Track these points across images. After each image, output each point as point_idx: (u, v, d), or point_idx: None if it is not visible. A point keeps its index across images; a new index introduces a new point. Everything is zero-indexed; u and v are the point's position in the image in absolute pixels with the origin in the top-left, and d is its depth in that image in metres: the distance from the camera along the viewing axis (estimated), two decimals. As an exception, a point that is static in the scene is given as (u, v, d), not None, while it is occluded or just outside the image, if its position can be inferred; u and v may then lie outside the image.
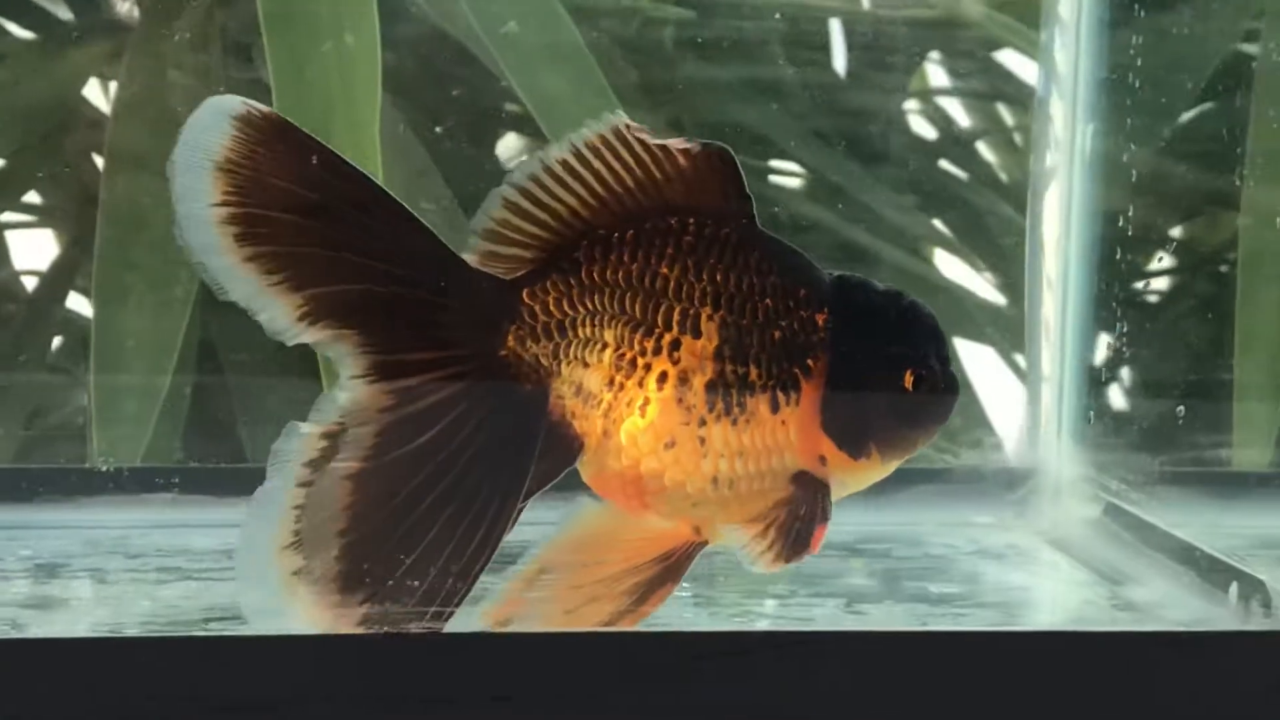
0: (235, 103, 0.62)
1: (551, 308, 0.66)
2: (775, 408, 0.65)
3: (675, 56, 1.11)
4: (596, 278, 0.65)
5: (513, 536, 0.66)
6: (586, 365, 0.65)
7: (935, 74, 1.18)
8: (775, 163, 1.12)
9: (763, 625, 0.79)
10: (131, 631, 0.72)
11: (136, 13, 1.05)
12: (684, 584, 0.68)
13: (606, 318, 0.65)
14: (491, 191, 0.65)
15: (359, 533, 0.63)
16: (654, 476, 0.66)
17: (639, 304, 0.65)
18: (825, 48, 1.11)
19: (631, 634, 0.66)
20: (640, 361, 0.65)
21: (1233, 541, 0.82)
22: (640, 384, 0.65)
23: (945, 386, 0.67)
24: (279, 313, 0.63)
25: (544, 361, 0.66)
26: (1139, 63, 0.91)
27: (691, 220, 0.65)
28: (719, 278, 0.65)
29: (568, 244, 0.66)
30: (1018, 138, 1.16)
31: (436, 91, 1.14)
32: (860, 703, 0.67)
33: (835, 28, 1.11)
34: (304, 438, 0.63)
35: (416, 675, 0.62)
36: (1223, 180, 0.96)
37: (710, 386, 0.65)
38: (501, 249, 0.66)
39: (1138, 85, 0.93)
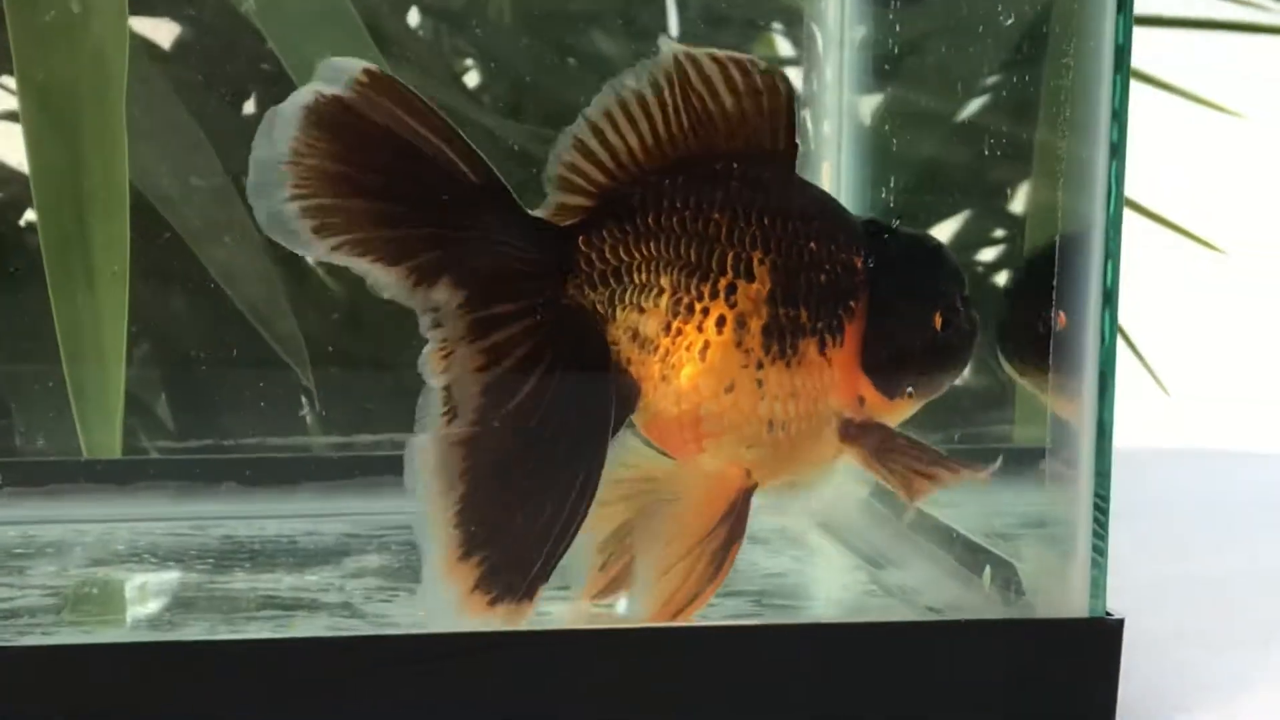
0: (307, 96, 0.62)
1: (607, 254, 0.66)
2: (823, 349, 0.66)
3: (510, 30, 1.10)
4: (651, 224, 0.66)
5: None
6: (642, 310, 0.66)
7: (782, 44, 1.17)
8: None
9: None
10: None
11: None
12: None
13: (662, 263, 0.66)
14: (563, 130, 0.66)
15: (473, 495, 0.63)
16: (714, 420, 0.66)
17: (694, 249, 0.66)
18: (661, 16, 1.09)
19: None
20: (697, 306, 0.65)
21: (1001, 520, 0.80)
22: (699, 328, 0.65)
23: (970, 326, 0.69)
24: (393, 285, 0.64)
25: (600, 309, 0.66)
26: (899, 29, 0.89)
27: (735, 164, 0.66)
28: (766, 221, 0.66)
29: (620, 190, 0.66)
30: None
31: (238, 65, 1.11)
32: (594, 700, 0.64)
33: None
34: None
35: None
36: (1009, 150, 0.93)
37: (765, 330, 0.66)
38: (569, 199, 0.66)
39: (900, 53, 0.90)
